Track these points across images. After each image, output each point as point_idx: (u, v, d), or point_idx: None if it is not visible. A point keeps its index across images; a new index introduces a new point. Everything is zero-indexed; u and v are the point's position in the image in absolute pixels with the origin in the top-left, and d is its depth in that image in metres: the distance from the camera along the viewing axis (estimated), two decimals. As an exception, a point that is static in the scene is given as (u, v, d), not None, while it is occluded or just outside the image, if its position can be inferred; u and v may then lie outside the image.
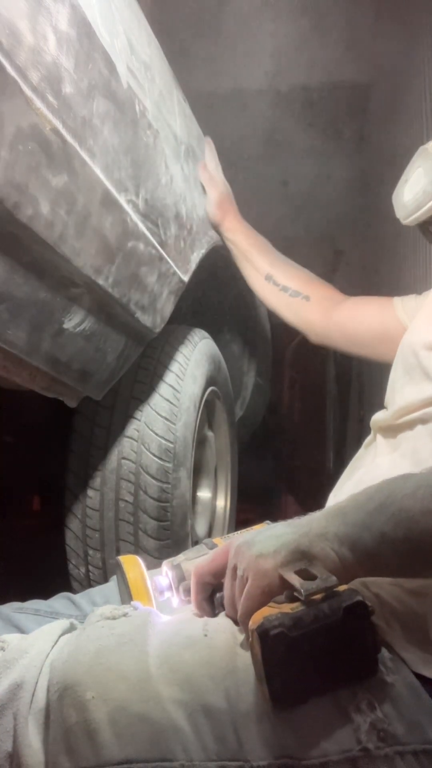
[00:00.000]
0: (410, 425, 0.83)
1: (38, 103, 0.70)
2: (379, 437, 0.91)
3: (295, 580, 0.53)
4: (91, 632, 0.59)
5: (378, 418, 0.91)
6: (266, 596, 0.56)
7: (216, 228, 1.37)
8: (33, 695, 0.54)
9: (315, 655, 0.51)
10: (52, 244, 0.78)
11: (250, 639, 0.52)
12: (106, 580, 1.23)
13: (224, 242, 1.40)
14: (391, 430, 0.87)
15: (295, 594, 0.53)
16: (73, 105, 0.77)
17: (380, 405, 0.95)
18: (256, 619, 0.52)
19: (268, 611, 0.53)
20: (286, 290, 1.30)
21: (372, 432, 0.93)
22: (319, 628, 0.51)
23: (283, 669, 0.51)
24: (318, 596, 0.52)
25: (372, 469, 0.85)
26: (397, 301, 1.13)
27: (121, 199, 0.92)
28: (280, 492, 2.96)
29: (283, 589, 0.56)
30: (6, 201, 0.69)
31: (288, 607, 0.53)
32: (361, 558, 0.56)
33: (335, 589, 0.53)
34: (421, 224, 1.02)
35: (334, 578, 0.53)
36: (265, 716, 0.52)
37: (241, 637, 0.58)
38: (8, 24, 0.65)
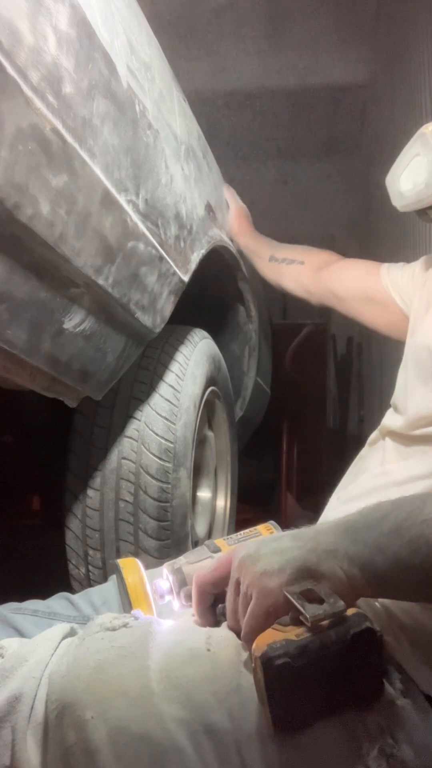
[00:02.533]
0: (426, 439, 0.80)
1: (38, 103, 0.70)
2: (388, 440, 0.87)
3: (301, 604, 0.51)
4: (91, 644, 0.58)
5: (390, 424, 0.87)
6: (271, 617, 0.54)
7: (232, 236, 1.59)
8: (32, 708, 0.53)
9: (320, 681, 0.50)
10: (52, 244, 0.78)
11: (253, 665, 0.51)
12: (105, 580, 1.23)
13: (241, 249, 1.63)
14: (404, 439, 0.84)
15: (301, 618, 0.51)
16: (73, 105, 0.77)
17: (380, 405, 0.93)
18: (260, 645, 0.50)
19: (273, 635, 0.51)
20: (285, 261, 1.43)
21: (378, 432, 0.90)
22: (325, 655, 0.49)
23: (287, 696, 0.49)
24: (325, 622, 0.50)
25: (379, 475, 0.82)
26: (384, 269, 1.15)
27: (121, 199, 0.92)
28: (279, 492, 2.95)
29: (288, 610, 0.53)
30: (6, 201, 0.69)
31: (293, 633, 0.51)
32: (371, 580, 0.54)
33: (343, 614, 0.51)
34: (419, 211, 1.00)
35: (341, 603, 0.51)
36: (269, 738, 0.50)
37: (245, 653, 0.56)
38: (8, 24, 0.65)
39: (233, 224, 1.60)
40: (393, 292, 1.10)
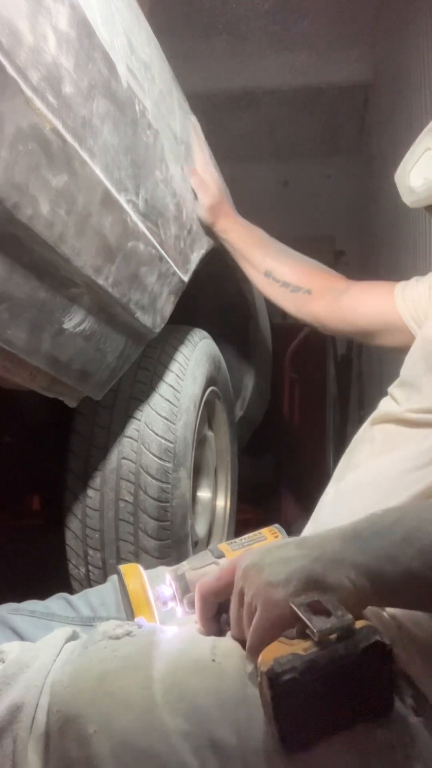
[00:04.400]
0: (426, 424, 0.78)
1: (38, 103, 0.70)
2: (378, 431, 0.85)
3: (307, 617, 0.50)
4: (94, 653, 0.57)
5: (389, 411, 0.84)
6: (277, 629, 0.52)
7: (209, 232, 1.34)
8: (33, 718, 0.52)
9: (328, 696, 0.48)
10: (52, 244, 0.78)
11: (259, 679, 0.49)
12: (105, 580, 1.23)
13: (221, 243, 1.37)
14: (403, 424, 0.81)
15: (308, 632, 0.50)
16: (73, 105, 0.77)
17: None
18: (266, 659, 0.49)
19: (279, 649, 0.50)
20: (287, 286, 1.26)
21: (369, 423, 0.88)
22: (333, 670, 0.48)
23: (294, 712, 0.48)
24: (333, 636, 0.49)
25: (370, 470, 0.80)
26: (398, 289, 1.09)
27: (121, 199, 0.92)
28: (279, 492, 2.95)
29: (294, 622, 0.52)
30: (6, 201, 0.69)
31: (300, 647, 0.49)
32: (380, 591, 0.53)
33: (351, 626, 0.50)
34: (428, 207, 0.98)
35: (349, 616, 0.49)
36: (276, 754, 0.48)
37: (250, 664, 0.54)
38: (8, 24, 0.65)
39: (205, 215, 1.30)
40: (407, 317, 1.06)
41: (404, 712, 0.52)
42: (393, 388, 0.88)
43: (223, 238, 1.35)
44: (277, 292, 1.29)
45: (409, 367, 0.88)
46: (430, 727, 0.52)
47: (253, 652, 0.53)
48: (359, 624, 0.50)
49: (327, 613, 0.50)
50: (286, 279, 1.26)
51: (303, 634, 0.50)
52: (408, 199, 0.99)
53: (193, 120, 1.32)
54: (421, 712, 0.53)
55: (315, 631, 0.48)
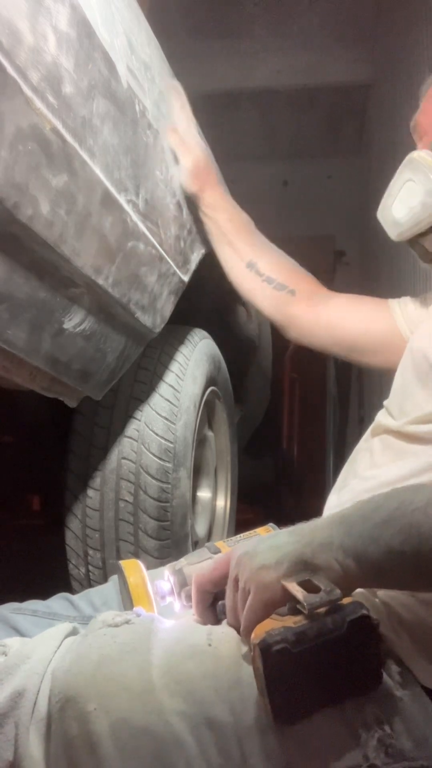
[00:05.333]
0: (422, 439, 0.78)
1: (38, 103, 0.70)
2: (377, 442, 0.85)
3: (298, 592, 0.52)
4: (93, 640, 0.58)
5: (386, 423, 0.84)
6: (269, 609, 0.55)
7: (193, 201, 1.18)
8: (35, 704, 0.54)
9: (318, 669, 0.50)
10: (52, 244, 0.78)
11: (252, 653, 0.51)
12: (106, 580, 1.23)
13: (201, 218, 1.20)
14: (399, 438, 0.82)
15: (298, 607, 0.52)
16: (73, 105, 0.77)
17: (380, 405, 0.92)
18: (258, 633, 0.51)
19: (271, 624, 0.52)
20: (270, 282, 1.14)
21: (370, 432, 0.88)
22: (322, 642, 0.50)
23: (286, 684, 0.50)
24: (322, 609, 0.51)
25: (369, 478, 0.80)
26: (394, 304, 1.05)
27: (121, 199, 0.92)
28: (279, 492, 2.96)
29: (285, 601, 0.54)
30: (6, 201, 0.69)
31: (291, 621, 0.52)
32: (365, 570, 0.55)
33: (339, 602, 0.52)
34: (411, 239, 0.94)
35: (338, 591, 0.52)
36: (269, 730, 0.51)
37: (245, 648, 0.57)
38: (8, 24, 0.65)
39: (190, 181, 1.15)
40: (409, 331, 1.01)
41: (392, 686, 0.54)
42: (387, 401, 0.89)
43: (207, 215, 1.19)
44: (257, 287, 1.16)
45: (401, 378, 0.88)
46: (416, 701, 0.54)
47: (247, 632, 0.55)
48: (347, 600, 0.53)
49: (317, 590, 0.52)
50: (271, 274, 1.15)
51: (294, 610, 0.53)
52: (393, 232, 0.96)
53: (175, 83, 1.18)
54: (408, 686, 0.55)
55: (305, 604, 0.50)
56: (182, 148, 1.14)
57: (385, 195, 0.98)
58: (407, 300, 1.05)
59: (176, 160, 1.14)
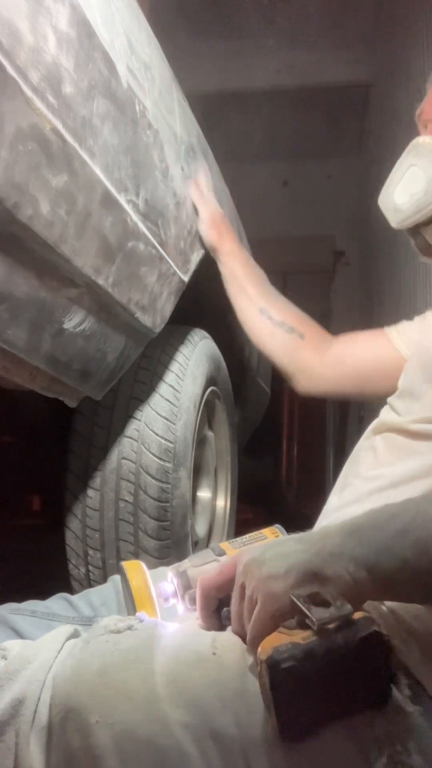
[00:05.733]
0: (427, 436, 0.78)
1: (38, 103, 0.70)
2: (379, 441, 0.84)
3: (307, 607, 0.50)
4: (95, 647, 0.57)
5: (390, 420, 0.84)
6: (276, 621, 0.53)
7: (212, 250, 1.30)
8: (35, 712, 0.53)
9: (327, 686, 0.49)
10: (52, 244, 0.78)
11: (259, 668, 0.50)
12: (105, 580, 1.23)
13: (218, 266, 1.30)
14: (404, 436, 0.81)
15: (307, 622, 0.50)
16: (73, 105, 0.77)
17: (380, 405, 0.92)
18: (266, 648, 0.50)
19: (278, 638, 0.50)
20: (282, 326, 1.21)
21: (371, 431, 0.87)
22: (332, 659, 0.48)
23: (293, 701, 0.48)
24: (332, 625, 0.50)
25: (373, 478, 0.80)
26: (391, 330, 1.08)
27: (121, 199, 0.92)
28: (279, 492, 2.96)
29: (294, 614, 0.52)
30: (6, 201, 0.69)
31: (299, 636, 0.50)
32: (377, 582, 0.53)
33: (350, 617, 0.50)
34: (413, 228, 0.94)
35: (348, 606, 0.50)
36: (276, 745, 0.50)
37: (251, 657, 0.55)
38: (8, 24, 0.65)
39: (209, 231, 1.27)
40: (404, 350, 1.03)
41: (402, 701, 0.52)
42: (392, 399, 0.88)
43: (225, 263, 1.29)
44: (269, 331, 1.22)
45: (408, 376, 0.88)
46: (426, 716, 0.52)
47: (254, 644, 0.53)
48: (358, 615, 0.51)
49: (326, 604, 0.51)
50: (283, 319, 1.21)
51: (302, 624, 0.51)
52: (394, 219, 0.96)
53: (205, 166, 1.33)
54: (418, 701, 0.53)
55: (314, 620, 0.49)
56: (201, 201, 1.26)
57: (387, 182, 0.97)
58: (403, 323, 1.08)
59: (185, 181, 1.22)
